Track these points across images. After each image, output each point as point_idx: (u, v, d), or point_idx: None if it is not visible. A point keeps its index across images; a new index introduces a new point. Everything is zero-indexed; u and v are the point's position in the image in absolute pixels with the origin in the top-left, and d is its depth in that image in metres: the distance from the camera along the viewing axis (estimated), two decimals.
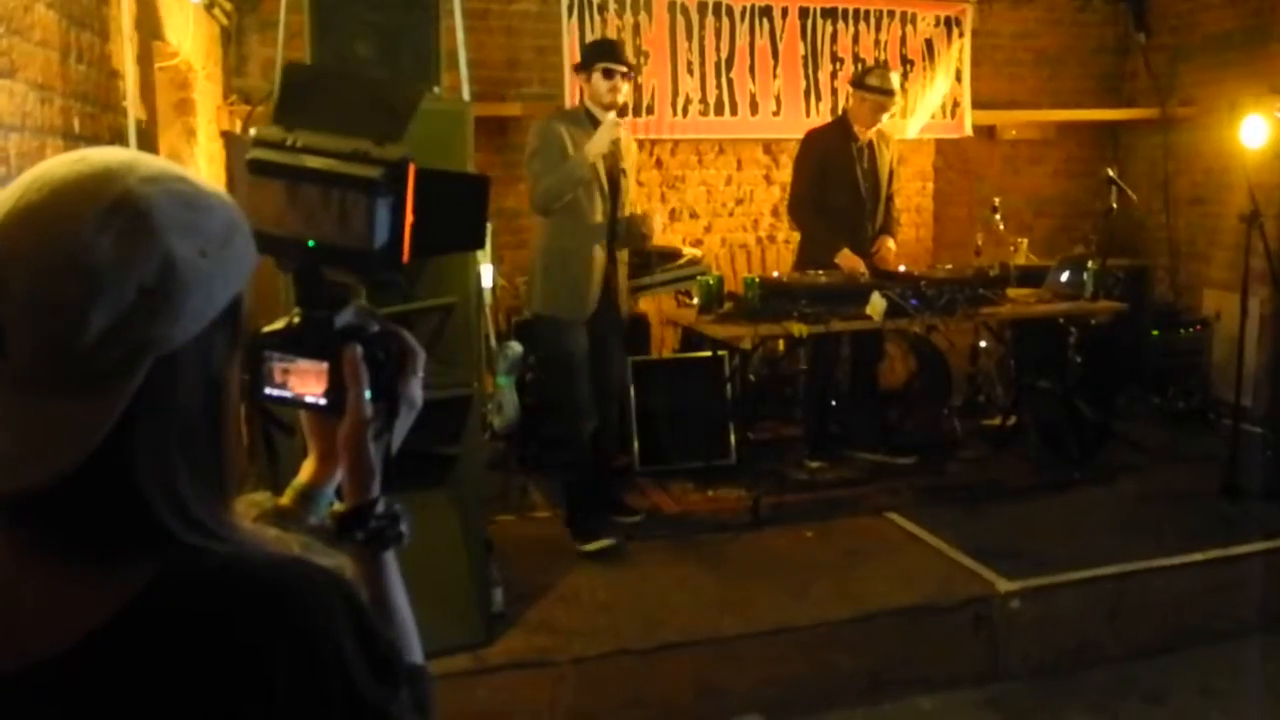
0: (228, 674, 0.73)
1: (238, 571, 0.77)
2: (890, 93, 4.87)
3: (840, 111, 5.39)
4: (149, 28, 3.36)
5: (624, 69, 4.12)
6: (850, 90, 5.06)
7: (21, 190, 0.74)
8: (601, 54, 4.16)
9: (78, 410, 0.72)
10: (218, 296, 0.78)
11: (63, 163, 0.76)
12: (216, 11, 4.72)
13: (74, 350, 0.72)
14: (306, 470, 1.04)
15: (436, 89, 3.14)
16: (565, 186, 3.96)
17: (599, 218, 4.09)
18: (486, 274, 3.93)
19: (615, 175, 4.15)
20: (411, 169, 0.91)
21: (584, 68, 4.18)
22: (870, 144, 4.97)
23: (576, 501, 4.21)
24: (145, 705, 0.72)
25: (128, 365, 0.73)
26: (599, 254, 4.10)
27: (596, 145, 3.97)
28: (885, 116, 4.96)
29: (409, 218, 0.92)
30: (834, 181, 4.89)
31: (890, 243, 4.97)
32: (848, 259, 4.74)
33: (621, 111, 5.54)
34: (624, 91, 4.15)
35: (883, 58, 5.99)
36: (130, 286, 0.73)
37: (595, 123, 4.06)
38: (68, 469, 0.72)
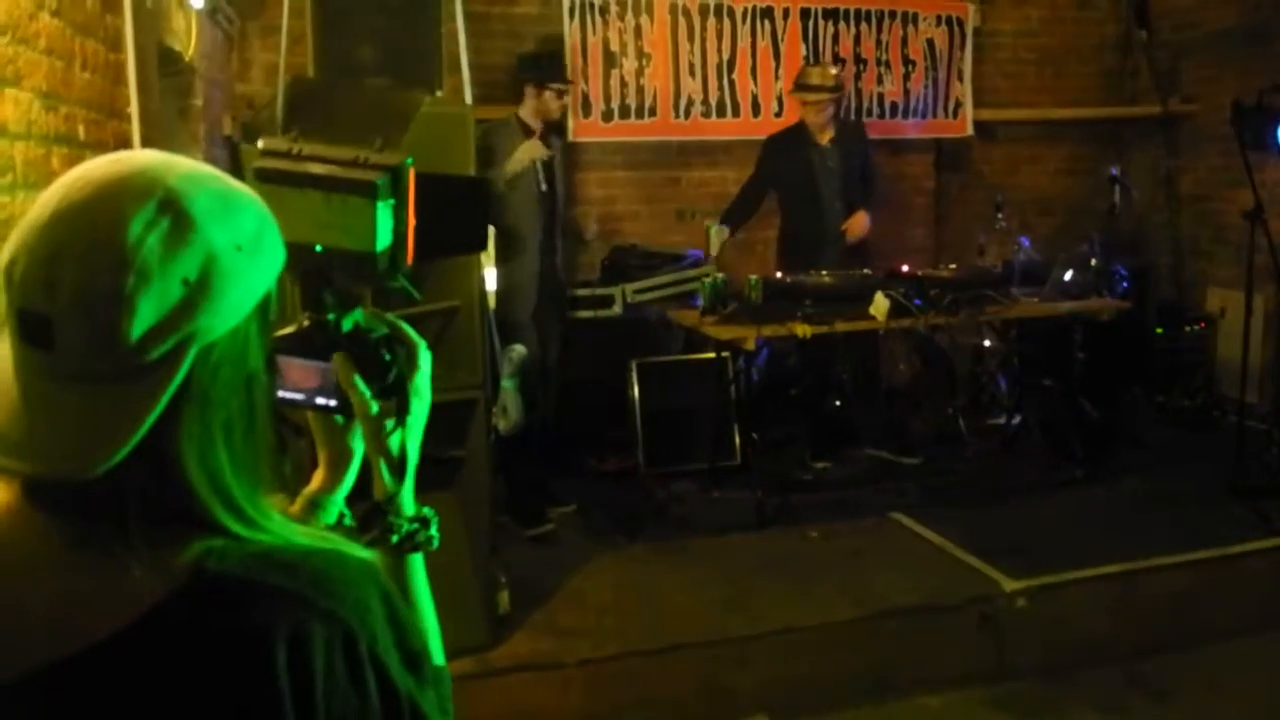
0: (269, 659, 0.75)
1: (279, 559, 0.79)
2: (831, 88, 4.80)
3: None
4: (152, 34, 3.37)
5: (567, 87, 4.45)
6: (794, 97, 4.96)
7: (64, 190, 0.77)
8: (556, 72, 4.42)
9: (124, 400, 0.75)
10: (253, 290, 0.81)
11: (102, 164, 0.78)
12: (219, 17, 4.73)
13: (122, 342, 0.74)
14: (317, 479, 1.07)
15: (438, 92, 3.14)
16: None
17: (534, 220, 4.27)
18: (490, 277, 3.94)
19: (551, 173, 4.35)
20: (412, 173, 0.93)
21: (535, 83, 4.29)
22: (833, 143, 4.89)
23: (522, 491, 4.32)
24: (190, 687, 0.75)
25: (172, 356, 0.76)
26: (534, 250, 4.31)
27: (517, 164, 4.13)
28: (831, 111, 4.88)
29: (411, 220, 0.93)
30: (792, 189, 4.89)
31: (861, 217, 4.89)
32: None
33: (624, 113, 5.57)
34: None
35: (884, 58, 6.00)
36: (175, 279, 0.75)
37: (528, 132, 4.26)
38: (115, 457, 0.73)
